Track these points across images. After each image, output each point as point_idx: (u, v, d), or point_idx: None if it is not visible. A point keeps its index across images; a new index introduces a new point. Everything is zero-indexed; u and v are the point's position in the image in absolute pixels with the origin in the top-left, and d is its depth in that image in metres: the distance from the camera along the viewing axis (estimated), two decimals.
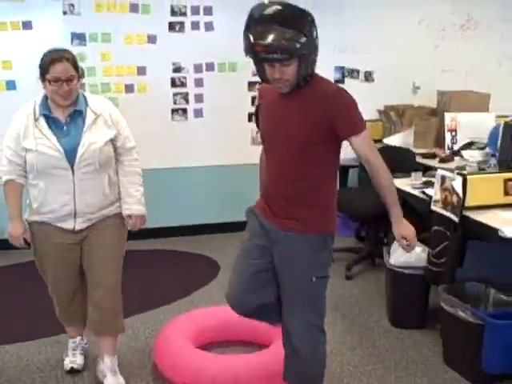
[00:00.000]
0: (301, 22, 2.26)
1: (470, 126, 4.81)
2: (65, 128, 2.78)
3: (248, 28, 2.29)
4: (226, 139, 5.32)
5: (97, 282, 2.90)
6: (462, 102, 5.03)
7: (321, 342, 2.56)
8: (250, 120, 5.34)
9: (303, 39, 2.23)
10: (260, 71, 2.40)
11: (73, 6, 4.85)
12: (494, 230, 2.91)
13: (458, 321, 3.03)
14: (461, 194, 3.14)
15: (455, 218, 3.17)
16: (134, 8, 4.95)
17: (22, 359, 3.29)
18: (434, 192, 3.38)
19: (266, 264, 2.53)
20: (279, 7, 2.25)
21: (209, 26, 5.14)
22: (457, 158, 4.60)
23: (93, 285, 2.91)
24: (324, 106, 2.33)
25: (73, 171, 2.75)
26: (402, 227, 2.46)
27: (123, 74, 5.03)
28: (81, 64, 4.78)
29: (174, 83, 5.18)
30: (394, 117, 5.37)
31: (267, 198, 2.56)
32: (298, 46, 2.22)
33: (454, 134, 4.87)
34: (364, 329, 3.64)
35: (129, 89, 5.06)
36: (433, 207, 3.37)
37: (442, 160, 4.57)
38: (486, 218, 3.09)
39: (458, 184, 3.17)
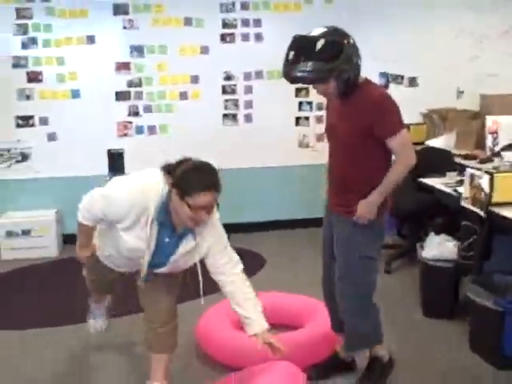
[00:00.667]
0: (329, 52, 2.67)
1: (511, 129, 4.94)
2: (166, 240, 2.61)
3: (285, 58, 2.73)
4: (274, 142, 5.63)
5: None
6: (504, 105, 5.16)
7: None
8: (297, 124, 5.65)
9: (328, 66, 2.66)
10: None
11: (132, 21, 5.28)
12: None
13: (481, 309, 3.23)
14: (487, 191, 3.33)
15: (482, 214, 3.36)
16: (188, 22, 5.34)
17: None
18: (464, 189, 3.57)
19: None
20: (312, 40, 2.68)
21: (258, 37, 5.47)
22: (497, 159, 4.73)
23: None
24: (366, 112, 2.74)
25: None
26: (362, 204, 2.82)
27: (178, 83, 5.42)
28: (139, 74, 5.32)
29: (224, 90, 5.54)
30: (436, 120, 5.55)
31: (329, 185, 3.04)
32: (321, 74, 2.68)
33: (495, 136, 4.99)
34: (397, 318, 3.85)
35: (183, 96, 5.44)
36: (463, 203, 3.56)
37: (482, 161, 4.70)
38: None
39: (485, 182, 3.37)
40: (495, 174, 3.36)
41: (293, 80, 2.76)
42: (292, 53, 2.70)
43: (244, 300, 2.70)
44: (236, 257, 2.80)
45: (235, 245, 5.28)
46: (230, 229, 5.55)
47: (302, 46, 2.70)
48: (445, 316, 3.82)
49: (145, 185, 2.53)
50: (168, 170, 2.49)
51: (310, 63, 2.66)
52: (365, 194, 2.83)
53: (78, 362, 3.47)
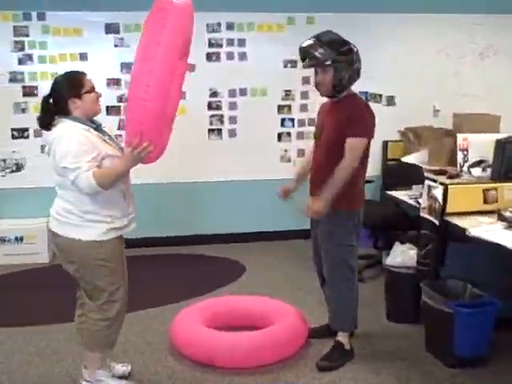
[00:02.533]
0: (336, 45, 3.28)
1: (480, 146, 5.17)
2: (106, 137, 3.00)
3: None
4: (257, 157, 5.89)
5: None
6: (474, 123, 5.39)
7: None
8: (279, 140, 5.92)
9: (331, 55, 3.24)
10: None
11: (123, 39, 5.58)
12: (463, 231, 3.32)
13: (435, 311, 3.46)
14: (442, 202, 3.57)
15: (437, 222, 3.59)
16: None
17: None
18: (422, 200, 3.81)
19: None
20: (328, 33, 3.33)
21: (242, 56, 5.76)
22: (466, 175, 4.97)
23: None
24: (345, 119, 3.27)
25: None
26: (314, 199, 3.31)
27: None
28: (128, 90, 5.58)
29: (210, 106, 5.82)
30: (412, 137, 5.80)
31: (310, 181, 3.52)
32: (322, 57, 3.23)
33: (465, 153, 5.22)
34: (362, 321, 4.05)
35: None
36: (421, 213, 3.80)
37: (450, 176, 4.94)
38: (465, 222, 3.47)
39: (440, 192, 3.61)
40: (449, 186, 3.60)
41: (303, 52, 3.30)
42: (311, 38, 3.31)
43: None
44: None
45: (217, 254, 5.63)
46: (213, 239, 5.90)
47: (320, 35, 3.30)
48: (408, 320, 4.04)
49: (69, 129, 2.84)
50: (47, 113, 2.90)
51: (322, 47, 3.24)
52: (343, 191, 3.26)
53: (63, 359, 3.65)
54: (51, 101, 2.93)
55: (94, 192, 2.81)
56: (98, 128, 3.00)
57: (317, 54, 3.25)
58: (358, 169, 3.31)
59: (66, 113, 2.90)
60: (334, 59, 3.26)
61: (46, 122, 2.91)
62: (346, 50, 3.30)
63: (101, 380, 3.13)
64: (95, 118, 3.05)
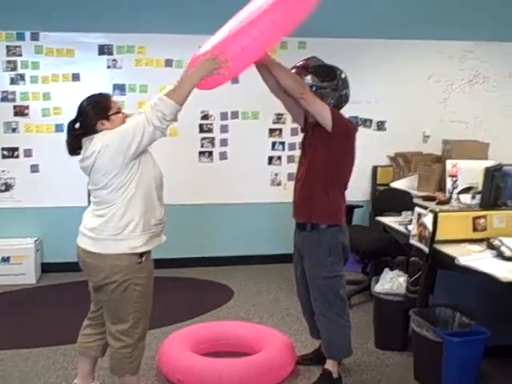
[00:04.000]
0: (320, 71, 3.35)
1: (469, 173, 5.21)
2: None
3: None
4: (247, 180, 5.89)
5: None
6: (463, 150, 5.45)
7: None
8: (269, 163, 5.93)
9: (316, 82, 3.28)
10: None
11: (116, 60, 5.60)
12: (452, 259, 3.33)
13: (423, 339, 3.45)
14: (431, 229, 3.58)
15: (426, 250, 3.60)
16: (168, 63, 5.67)
17: None
18: (412, 227, 3.82)
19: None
20: (312, 59, 3.43)
21: (234, 80, 5.75)
22: (454, 201, 4.99)
23: None
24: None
25: None
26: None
27: None
28: None
29: (201, 129, 5.84)
30: (401, 163, 5.84)
31: (293, 203, 3.50)
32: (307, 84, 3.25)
33: (454, 179, 5.26)
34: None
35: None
36: (411, 240, 3.80)
37: (439, 202, 4.97)
38: (454, 250, 3.48)
39: (429, 220, 3.62)
40: (439, 213, 3.61)
41: None
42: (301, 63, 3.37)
43: None
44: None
45: (206, 277, 5.60)
46: (202, 262, 5.88)
47: (308, 62, 3.37)
48: (396, 348, 4.02)
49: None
50: (84, 129, 2.91)
51: (307, 75, 3.30)
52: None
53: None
54: (77, 125, 2.93)
55: (174, 115, 2.87)
56: None
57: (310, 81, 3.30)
58: (329, 180, 3.33)
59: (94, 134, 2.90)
60: (319, 86, 3.28)
61: (75, 146, 2.93)
62: (330, 75, 3.34)
63: None
64: None
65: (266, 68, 3.26)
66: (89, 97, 2.96)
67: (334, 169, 3.34)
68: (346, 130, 3.34)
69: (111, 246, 2.85)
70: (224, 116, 5.85)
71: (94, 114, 2.88)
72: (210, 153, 5.87)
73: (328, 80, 3.32)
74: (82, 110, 2.92)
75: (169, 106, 2.81)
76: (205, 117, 5.82)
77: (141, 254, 2.89)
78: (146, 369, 3.72)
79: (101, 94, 3.01)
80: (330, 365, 3.53)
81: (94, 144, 2.84)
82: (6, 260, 5.47)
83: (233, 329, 3.96)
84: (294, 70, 3.34)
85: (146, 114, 2.81)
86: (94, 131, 2.88)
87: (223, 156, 5.89)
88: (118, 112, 2.93)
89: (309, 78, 3.30)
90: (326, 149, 3.29)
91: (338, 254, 3.42)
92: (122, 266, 2.84)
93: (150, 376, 3.66)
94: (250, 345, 3.76)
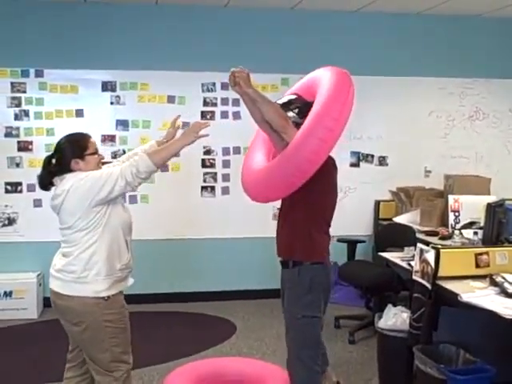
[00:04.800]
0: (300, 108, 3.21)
1: (471, 208, 5.23)
2: None
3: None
4: (249, 214, 5.90)
5: None
6: (465, 185, 5.49)
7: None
8: None
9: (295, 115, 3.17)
10: None
11: (119, 97, 5.68)
12: (456, 296, 3.32)
13: (427, 377, 3.40)
14: (433, 265, 3.57)
15: (429, 286, 3.59)
16: (171, 99, 5.74)
17: None
18: (415, 263, 3.81)
19: None
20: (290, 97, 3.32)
21: (236, 115, 5.85)
22: (457, 237, 4.99)
23: None
24: None
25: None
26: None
27: None
28: (123, 146, 5.66)
29: (204, 164, 5.87)
30: (403, 198, 5.85)
31: (277, 242, 3.48)
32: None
33: (457, 214, 5.28)
34: None
35: (164, 168, 5.73)
36: (413, 276, 3.79)
37: (442, 237, 4.97)
38: (457, 286, 3.46)
39: (432, 256, 3.61)
40: (441, 250, 3.61)
41: None
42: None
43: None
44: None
45: (208, 312, 5.58)
46: (204, 296, 5.86)
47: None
48: None
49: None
50: (48, 173, 2.95)
51: (290, 112, 3.19)
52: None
53: None
54: (54, 161, 2.96)
55: (148, 175, 2.89)
56: None
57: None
58: (309, 216, 3.23)
59: (67, 173, 2.92)
60: (298, 122, 3.14)
61: (46, 181, 2.96)
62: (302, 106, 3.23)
63: None
64: None
65: (250, 99, 3.19)
66: (68, 134, 3.01)
67: (315, 206, 3.24)
68: (324, 165, 3.12)
69: (76, 289, 2.87)
70: (226, 151, 5.89)
71: (70, 151, 2.92)
72: (213, 188, 5.90)
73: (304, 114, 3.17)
74: (59, 147, 2.96)
75: (146, 166, 2.85)
76: (207, 152, 5.87)
77: None
78: None
79: (80, 133, 3.03)
80: None
81: (65, 183, 2.87)
82: (9, 295, 5.46)
83: (235, 365, 3.95)
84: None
85: (122, 167, 2.86)
86: (68, 170, 2.91)
87: (225, 191, 5.92)
88: (94, 153, 2.97)
89: (290, 114, 3.21)
90: (305, 185, 3.09)
91: (317, 293, 3.24)
92: (88, 305, 2.86)
93: None
94: (252, 381, 3.73)
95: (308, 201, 3.21)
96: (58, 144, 2.98)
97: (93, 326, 2.87)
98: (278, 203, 6.00)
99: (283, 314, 3.39)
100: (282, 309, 3.45)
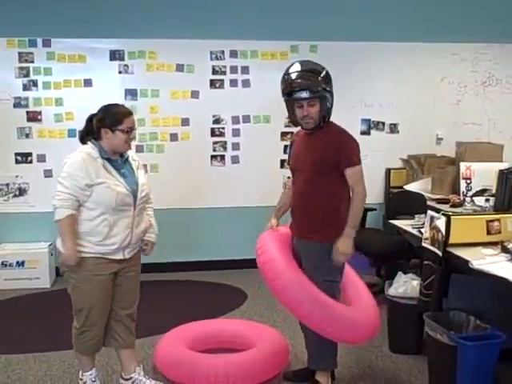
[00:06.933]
0: (321, 74, 3.19)
1: (483, 175, 5.18)
2: (122, 171, 3.16)
3: (285, 75, 3.22)
4: (259, 183, 5.89)
5: (130, 303, 3.35)
6: (477, 152, 5.42)
7: None
8: (281, 166, 5.91)
9: (323, 85, 3.16)
10: (291, 114, 3.28)
11: (127, 66, 5.63)
12: (466, 263, 3.30)
13: (437, 343, 3.40)
14: (444, 232, 3.55)
15: (439, 253, 3.57)
16: (179, 68, 5.69)
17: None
18: (425, 230, 3.79)
19: None
20: (307, 63, 3.28)
21: (245, 83, 5.79)
22: (468, 204, 4.95)
23: (126, 306, 3.32)
24: (334, 146, 3.20)
25: (134, 207, 3.15)
26: (342, 242, 3.23)
27: (169, 125, 5.74)
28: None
29: (213, 133, 5.85)
30: (414, 165, 5.81)
31: (293, 212, 3.48)
32: (319, 88, 3.15)
33: (468, 181, 5.24)
34: (364, 352, 4.03)
35: (173, 137, 5.74)
36: (423, 243, 3.77)
37: (453, 205, 4.94)
38: (468, 253, 3.44)
39: (442, 223, 3.59)
40: (452, 217, 3.58)
41: (297, 87, 3.14)
42: (292, 68, 3.20)
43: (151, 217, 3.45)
44: None
45: (219, 281, 5.60)
46: (215, 265, 5.88)
47: (303, 65, 3.23)
48: (410, 351, 4.00)
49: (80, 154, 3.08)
50: (86, 130, 3.14)
51: (313, 77, 3.17)
52: (330, 219, 3.25)
53: None
54: (94, 120, 3.11)
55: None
56: (116, 161, 3.15)
57: (313, 84, 3.15)
58: (340, 200, 3.27)
59: (97, 137, 3.09)
60: (324, 88, 3.17)
61: (82, 137, 3.17)
62: (327, 77, 3.21)
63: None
64: None
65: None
66: (112, 104, 3.14)
67: (343, 187, 3.28)
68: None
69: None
70: (235, 120, 5.85)
71: (105, 119, 3.05)
72: (222, 156, 5.88)
73: (326, 82, 3.21)
74: (99, 110, 3.10)
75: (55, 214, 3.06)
76: (216, 121, 5.83)
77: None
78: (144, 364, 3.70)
79: (122, 107, 3.15)
80: (320, 376, 3.44)
81: (73, 154, 3.08)
82: (21, 264, 5.51)
83: (228, 326, 4.11)
84: (299, 74, 3.19)
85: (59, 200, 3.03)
86: (98, 134, 3.07)
87: (235, 160, 5.90)
88: (126, 131, 3.05)
89: (315, 81, 3.16)
90: (334, 168, 3.22)
91: None
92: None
93: (146, 371, 3.60)
94: (243, 341, 3.86)
95: (340, 186, 3.27)
96: (100, 108, 3.11)
97: (66, 275, 3.18)
98: (288, 172, 6.07)
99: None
100: None
